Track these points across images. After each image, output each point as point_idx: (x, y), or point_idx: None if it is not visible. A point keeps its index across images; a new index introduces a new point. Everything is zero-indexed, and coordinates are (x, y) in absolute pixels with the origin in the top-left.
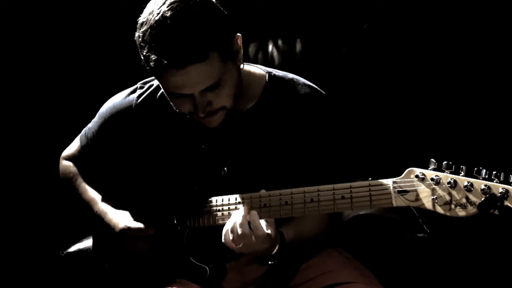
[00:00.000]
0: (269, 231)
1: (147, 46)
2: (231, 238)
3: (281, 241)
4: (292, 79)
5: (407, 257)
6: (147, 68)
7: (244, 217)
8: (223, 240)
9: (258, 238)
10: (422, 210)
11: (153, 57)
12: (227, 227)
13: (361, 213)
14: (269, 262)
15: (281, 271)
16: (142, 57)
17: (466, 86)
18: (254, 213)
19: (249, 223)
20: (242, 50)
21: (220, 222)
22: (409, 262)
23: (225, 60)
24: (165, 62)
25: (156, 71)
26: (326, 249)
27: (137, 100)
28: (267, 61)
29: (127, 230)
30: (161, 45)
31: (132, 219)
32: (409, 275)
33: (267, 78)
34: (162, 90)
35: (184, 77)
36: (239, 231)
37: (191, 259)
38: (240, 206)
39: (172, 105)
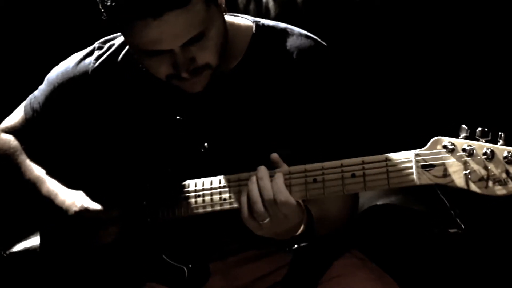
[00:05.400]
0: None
1: None
2: (255, 209)
3: (308, 216)
4: (285, 29)
5: (436, 257)
6: (111, 23)
7: (267, 181)
8: (244, 218)
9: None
10: (454, 199)
11: (119, 6)
12: (244, 201)
13: (378, 203)
14: (294, 246)
15: (312, 264)
16: (103, 10)
17: (501, 42)
18: (279, 175)
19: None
20: None
21: (201, 210)
22: (438, 263)
23: (209, 4)
24: (137, 10)
25: (124, 25)
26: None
27: (94, 64)
28: (261, 13)
29: (84, 211)
30: None
31: (90, 199)
32: (437, 279)
33: (254, 29)
34: (125, 50)
35: (161, 28)
36: (268, 197)
37: (165, 258)
38: (261, 169)
39: (146, 68)
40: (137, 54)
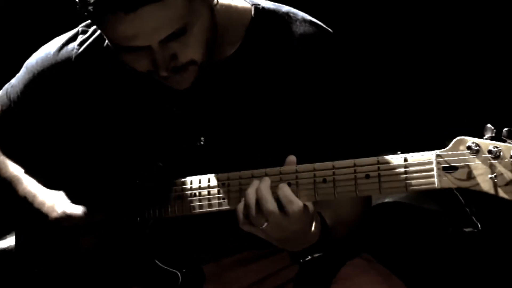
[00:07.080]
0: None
1: None
2: (241, 216)
3: (322, 224)
4: (287, 13)
5: (450, 258)
6: (84, 16)
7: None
8: (240, 222)
9: (294, 213)
10: (470, 196)
11: None
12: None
13: (386, 200)
14: (308, 257)
15: (321, 269)
16: (77, 1)
17: None
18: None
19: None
20: None
21: (197, 210)
22: (452, 265)
23: None
24: (107, 4)
25: (97, 18)
26: None
27: (78, 50)
28: None
29: (65, 218)
30: None
31: (71, 202)
32: (450, 282)
33: (253, 12)
34: None
35: (135, 23)
36: (267, 206)
37: (157, 261)
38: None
39: (125, 62)
40: (115, 48)
